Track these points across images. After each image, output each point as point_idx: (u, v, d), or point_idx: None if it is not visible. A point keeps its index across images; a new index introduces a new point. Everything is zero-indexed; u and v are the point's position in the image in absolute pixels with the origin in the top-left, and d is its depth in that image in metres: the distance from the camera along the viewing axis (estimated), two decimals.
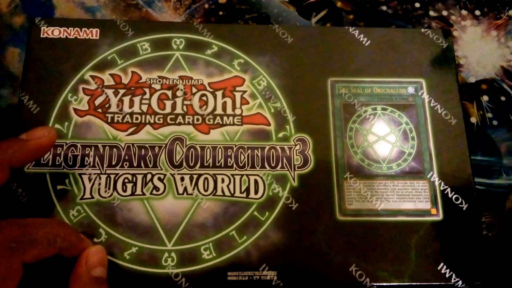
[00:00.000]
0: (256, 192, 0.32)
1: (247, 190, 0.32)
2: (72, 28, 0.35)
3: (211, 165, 0.32)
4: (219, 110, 0.34)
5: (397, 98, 0.35)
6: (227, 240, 0.31)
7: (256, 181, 0.32)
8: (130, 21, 0.36)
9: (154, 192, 0.31)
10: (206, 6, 0.44)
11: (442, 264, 0.31)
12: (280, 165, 0.32)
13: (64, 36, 0.35)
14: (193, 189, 0.32)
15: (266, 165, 0.32)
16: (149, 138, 0.33)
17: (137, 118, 0.33)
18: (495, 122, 0.41)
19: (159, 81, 0.34)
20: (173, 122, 0.33)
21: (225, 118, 0.33)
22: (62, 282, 0.26)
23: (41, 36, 0.34)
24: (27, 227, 0.24)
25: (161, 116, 0.33)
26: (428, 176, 0.33)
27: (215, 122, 0.33)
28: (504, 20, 0.45)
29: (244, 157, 0.32)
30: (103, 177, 0.31)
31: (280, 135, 0.33)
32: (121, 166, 0.32)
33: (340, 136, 0.34)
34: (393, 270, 0.31)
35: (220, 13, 0.43)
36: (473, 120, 0.41)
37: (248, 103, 0.34)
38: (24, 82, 0.33)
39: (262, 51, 0.35)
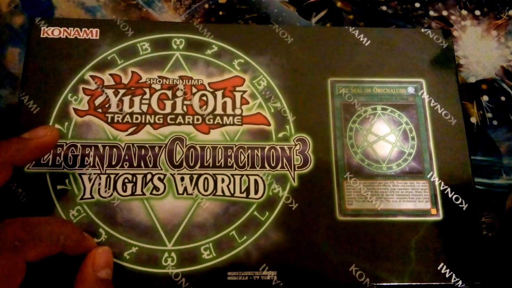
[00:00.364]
0: (256, 192, 0.32)
1: (247, 190, 0.32)
2: (72, 28, 0.35)
3: (211, 165, 0.32)
4: (219, 110, 0.34)
5: (397, 98, 0.35)
6: (227, 240, 0.31)
7: (256, 181, 0.32)
8: (130, 21, 0.36)
9: (154, 192, 0.31)
10: (206, 6, 0.44)
11: (442, 264, 0.31)
12: (280, 165, 0.32)
13: (64, 36, 0.35)
14: (193, 189, 0.32)
15: (266, 165, 0.32)
16: (149, 138, 0.33)
17: (137, 118, 0.33)
18: (495, 122, 0.41)
19: (159, 81, 0.34)
20: (173, 122, 0.33)
21: (225, 118, 0.33)
22: (66, 281, 0.26)
23: (41, 36, 0.34)
24: (30, 225, 0.24)
25: (161, 116, 0.33)
26: (428, 176, 0.33)
27: (215, 122, 0.33)
28: (504, 20, 0.45)
29: (244, 157, 0.32)
30: (103, 177, 0.31)
31: (280, 135, 0.33)
32: (121, 166, 0.32)
33: (340, 136, 0.34)
34: (393, 270, 0.31)
35: (220, 13, 0.43)
36: (473, 120, 0.41)
37: (248, 103, 0.34)
38: (24, 82, 0.33)
39: (262, 51, 0.35)
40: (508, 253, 0.37)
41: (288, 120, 0.34)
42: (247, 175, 0.32)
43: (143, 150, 0.32)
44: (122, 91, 0.34)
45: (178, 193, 0.31)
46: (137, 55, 0.35)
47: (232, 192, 0.32)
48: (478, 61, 0.43)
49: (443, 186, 0.33)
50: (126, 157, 0.32)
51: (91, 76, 0.34)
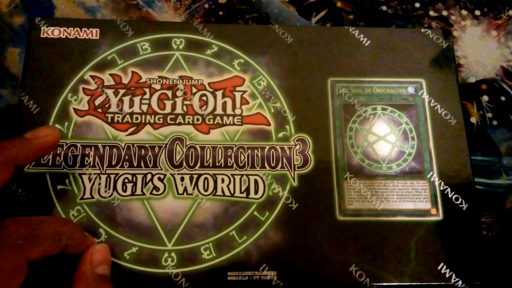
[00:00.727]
0: (256, 192, 0.32)
1: (247, 190, 0.32)
2: (72, 28, 0.35)
3: (211, 165, 0.32)
4: (219, 110, 0.34)
5: (397, 98, 0.35)
6: (227, 240, 0.31)
7: (256, 181, 0.32)
8: (130, 21, 0.36)
9: (154, 192, 0.31)
10: (206, 6, 0.44)
11: (442, 264, 0.31)
12: (280, 165, 0.32)
13: (64, 36, 0.35)
14: (193, 189, 0.32)
15: (266, 165, 0.32)
16: (149, 138, 0.33)
17: (137, 118, 0.33)
18: (495, 122, 0.41)
19: (159, 81, 0.34)
20: (173, 122, 0.33)
21: (225, 118, 0.33)
22: (66, 280, 0.26)
23: (41, 36, 0.34)
24: (32, 224, 0.24)
25: (161, 116, 0.33)
26: (428, 176, 0.33)
27: (215, 122, 0.33)
28: (504, 20, 0.45)
29: (244, 157, 0.32)
30: (103, 177, 0.31)
31: (280, 135, 0.33)
32: (121, 166, 0.32)
33: (340, 136, 0.34)
34: (393, 270, 0.31)
35: (220, 13, 0.43)
36: (473, 120, 0.41)
37: (248, 103, 0.34)
38: (24, 82, 0.33)
39: (262, 51, 0.35)
40: (508, 253, 0.37)
41: (288, 120, 0.34)
42: (247, 175, 0.32)
43: (143, 150, 0.32)
44: (122, 91, 0.34)
45: (178, 193, 0.31)
46: (137, 55, 0.35)
47: (232, 192, 0.32)
48: (478, 61, 0.43)
49: (443, 186, 0.33)
50: (126, 157, 0.32)
51: (91, 76, 0.34)
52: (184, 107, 0.34)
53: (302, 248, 0.31)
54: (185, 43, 0.35)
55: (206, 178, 0.32)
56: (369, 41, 0.36)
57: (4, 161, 0.26)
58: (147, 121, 0.33)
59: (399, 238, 0.31)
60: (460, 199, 0.33)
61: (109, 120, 0.33)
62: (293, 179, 0.32)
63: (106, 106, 0.33)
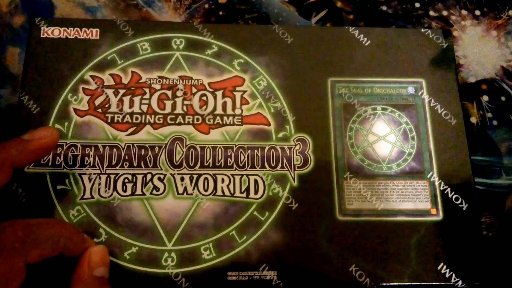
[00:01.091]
0: (256, 192, 0.32)
1: (247, 190, 0.32)
2: (72, 28, 0.35)
3: (211, 165, 0.32)
4: (219, 110, 0.34)
5: (397, 98, 0.35)
6: (227, 240, 0.31)
7: (256, 181, 0.32)
8: (130, 21, 0.36)
9: (154, 192, 0.31)
10: (206, 6, 0.44)
11: (442, 264, 0.31)
12: (280, 165, 0.32)
13: (64, 36, 0.35)
14: (193, 189, 0.32)
15: (266, 165, 0.32)
16: (149, 138, 0.33)
17: (137, 118, 0.33)
18: (495, 122, 0.41)
19: (159, 81, 0.34)
20: (173, 122, 0.33)
21: (225, 118, 0.33)
22: (65, 282, 0.26)
23: (41, 36, 0.34)
24: (30, 227, 0.24)
25: (161, 116, 0.33)
26: (428, 176, 0.33)
27: (215, 122, 0.33)
28: (504, 20, 0.45)
29: (244, 157, 0.32)
30: (103, 177, 0.31)
31: (280, 135, 0.33)
32: (121, 166, 0.32)
33: (340, 136, 0.34)
34: (393, 270, 0.31)
35: (220, 13, 0.43)
36: (473, 120, 0.41)
37: (248, 103, 0.34)
38: (24, 82, 0.33)
39: (262, 51, 0.35)
40: (508, 253, 0.37)
41: (288, 120, 0.34)
42: (247, 175, 0.32)
43: (143, 150, 0.32)
44: (122, 91, 0.34)
45: (178, 193, 0.31)
46: (137, 55, 0.35)
47: (232, 192, 0.32)
48: (478, 61, 0.43)
49: (443, 186, 0.33)
50: (126, 157, 0.32)
51: (91, 76, 0.34)
52: (184, 107, 0.34)
53: (302, 248, 0.31)
54: (185, 43, 0.35)
55: (206, 178, 0.32)
56: (369, 41, 0.36)
57: (2, 162, 0.26)
58: (147, 121, 0.33)
59: (399, 238, 0.31)
60: (460, 199, 0.33)
61: (109, 120, 0.33)
62: (293, 179, 0.32)
63: (106, 106, 0.33)
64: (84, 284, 0.26)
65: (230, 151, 0.33)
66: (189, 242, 0.30)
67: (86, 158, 0.32)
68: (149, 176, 0.32)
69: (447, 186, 0.33)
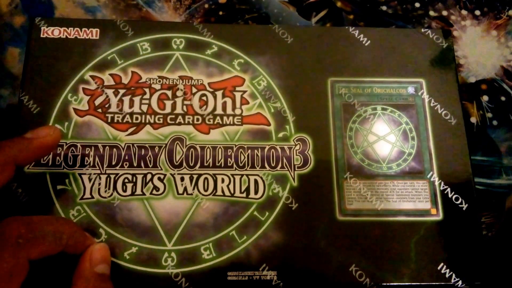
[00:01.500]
0: (256, 192, 0.32)
1: (247, 190, 0.32)
2: (72, 28, 0.35)
3: (211, 165, 0.32)
4: (219, 110, 0.34)
5: (397, 98, 0.35)
6: (227, 240, 0.31)
7: (256, 181, 0.32)
8: (130, 21, 0.36)
9: (154, 192, 0.31)
10: (206, 6, 0.44)
11: (442, 264, 0.31)
12: (280, 165, 0.32)
13: (64, 36, 0.35)
14: (193, 189, 0.32)
15: (266, 165, 0.32)
16: (149, 138, 0.33)
17: (137, 118, 0.33)
18: (495, 122, 0.41)
19: (159, 81, 0.34)
20: (173, 122, 0.33)
21: (225, 118, 0.33)
22: (66, 279, 0.26)
23: (41, 36, 0.34)
24: (33, 224, 0.24)
25: (161, 116, 0.33)
26: (428, 176, 0.33)
27: (215, 122, 0.33)
28: (504, 20, 0.45)
29: (244, 157, 0.32)
30: (103, 177, 0.31)
31: (280, 135, 0.33)
32: (121, 166, 0.32)
33: (340, 136, 0.34)
34: (393, 270, 0.31)
35: (220, 13, 0.43)
36: (473, 120, 0.41)
37: (248, 103, 0.34)
38: (24, 82, 0.33)
39: (262, 51, 0.35)
40: (508, 253, 0.37)
41: (288, 120, 0.34)
42: (247, 175, 0.32)
43: (143, 150, 0.32)
44: (122, 91, 0.34)
45: (178, 193, 0.31)
46: (137, 55, 0.35)
47: (232, 192, 0.32)
48: (478, 61, 0.43)
49: (443, 186, 0.33)
50: (126, 157, 0.32)
51: (91, 76, 0.34)
52: (184, 107, 0.34)
53: (302, 248, 0.31)
54: (185, 43, 0.35)
55: (206, 178, 0.32)
56: (369, 41, 0.36)
57: (5, 160, 0.26)
58: (147, 121, 0.33)
59: (399, 238, 0.31)
60: (460, 199, 0.33)
61: (109, 120, 0.33)
62: (293, 179, 0.32)
63: (106, 106, 0.33)
64: (85, 281, 0.26)
65: (230, 151, 0.33)
66: (189, 242, 0.30)
67: (86, 158, 0.32)
68: (149, 176, 0.32)
69: (447, 186, 0.33)
